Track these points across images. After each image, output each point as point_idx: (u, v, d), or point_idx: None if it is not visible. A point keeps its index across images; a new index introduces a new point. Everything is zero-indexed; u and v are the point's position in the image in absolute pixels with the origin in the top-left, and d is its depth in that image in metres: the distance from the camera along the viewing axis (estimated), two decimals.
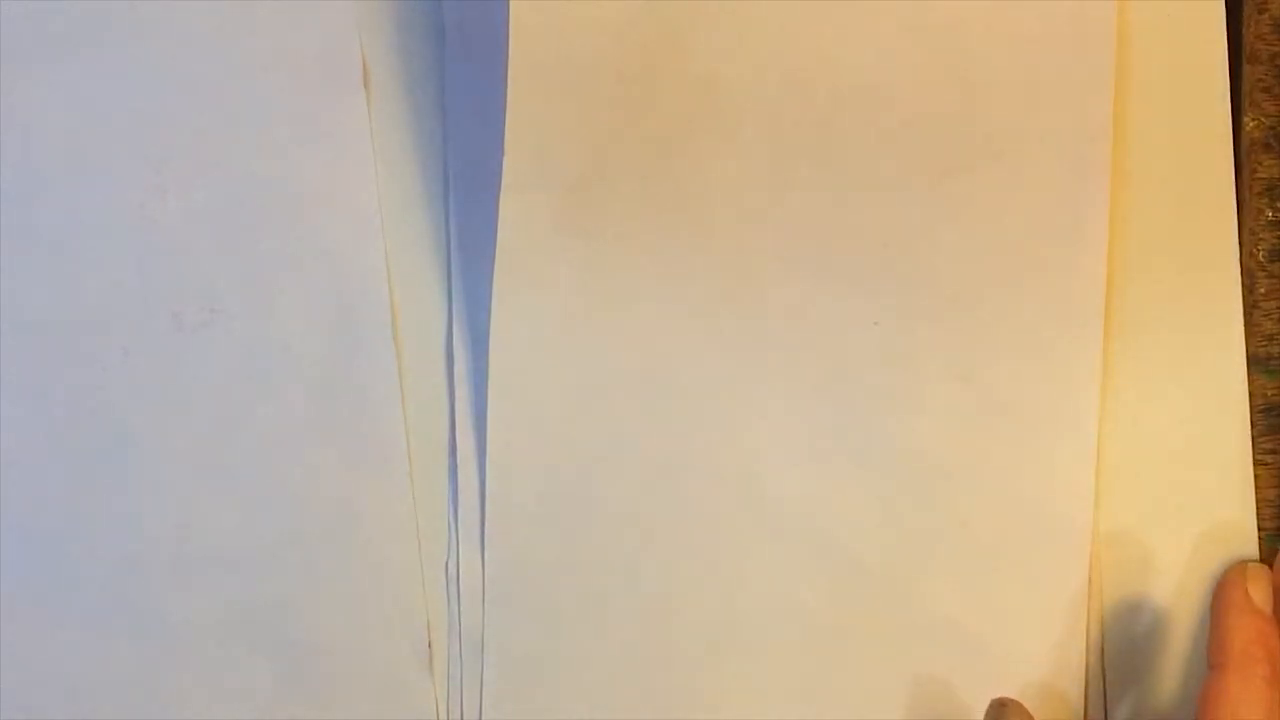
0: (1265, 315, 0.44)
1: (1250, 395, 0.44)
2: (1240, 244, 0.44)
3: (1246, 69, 0.44)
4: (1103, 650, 0.43)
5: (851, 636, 0.42)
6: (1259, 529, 0.43)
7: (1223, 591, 0.41)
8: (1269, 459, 0.44)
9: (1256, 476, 0.44)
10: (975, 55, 0.43)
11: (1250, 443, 0.43)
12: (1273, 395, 0.44)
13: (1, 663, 0.41)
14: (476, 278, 0.43)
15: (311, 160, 0.42)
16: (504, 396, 0.42)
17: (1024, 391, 0.42)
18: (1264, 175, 0.44)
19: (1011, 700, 0.39)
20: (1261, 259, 0.44)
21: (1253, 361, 0.44)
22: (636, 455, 0.42)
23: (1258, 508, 0.43)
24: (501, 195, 0.41)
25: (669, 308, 0.43)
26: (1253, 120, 0.44)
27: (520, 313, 0.42)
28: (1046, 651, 0.42)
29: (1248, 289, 0.44)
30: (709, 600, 0.43)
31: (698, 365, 0.43)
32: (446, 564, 0.43)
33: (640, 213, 0.42)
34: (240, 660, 0.42)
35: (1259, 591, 0.41)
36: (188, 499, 0.42)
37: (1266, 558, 0.43)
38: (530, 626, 0.43)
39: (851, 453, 0.43)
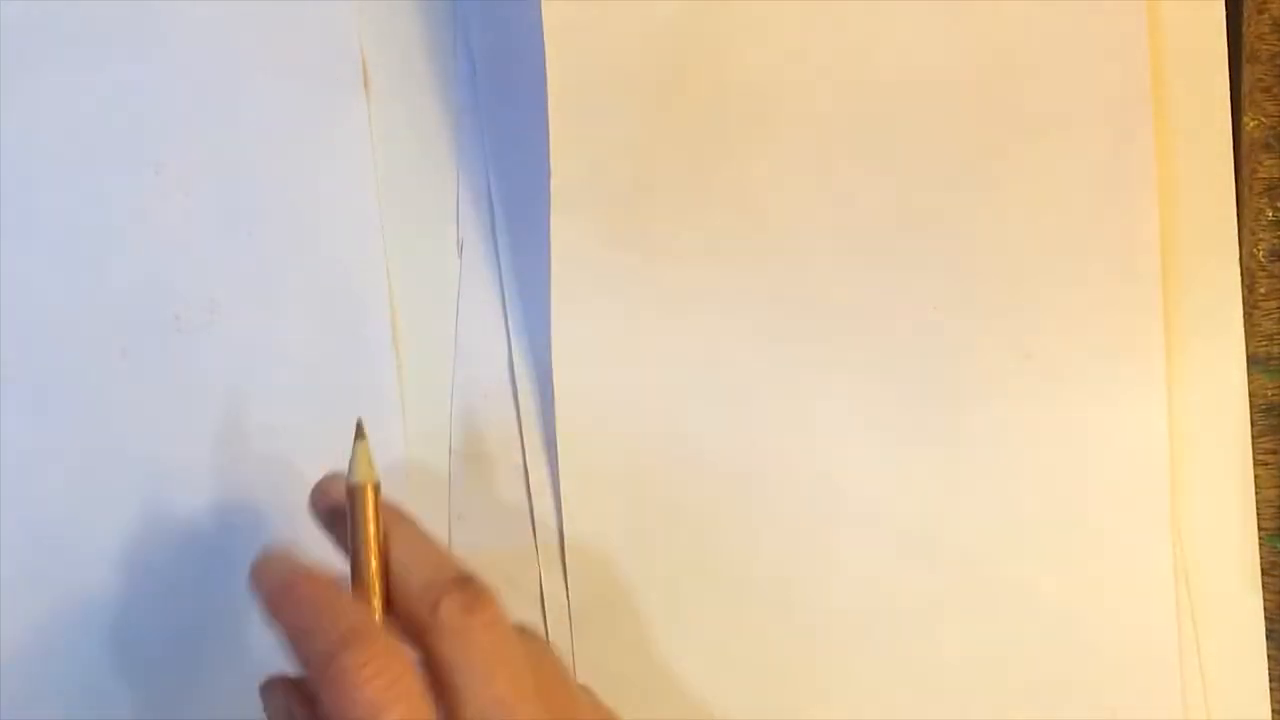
0: (1265, 315, 0.44)
1: (1250, 395, 0.44)
2: (1240, 244, 0.44)
3: (1246, 69, 0.44)
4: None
5: (938, 617, 0.42)
6: (1259, 529, 0.43)
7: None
8: (1269, 459, 0.44)
9: (1256, 476, 0.44)
10: (1012, 36, 0.43)
11: (1250, 443, 0.44)
12: (1273, 395, 0.44)
13: (1, 662, 0.41)
14: (529, 300, 0.43)
15: (311, 160, 0.42)
16: (572, 412, 0.42)
17: (1089, 362, 0.42)
18: (1264, 175, 0.44)
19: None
20: (1261, 259, 0.44)
21: (1253, 361, 0.44)
22: (707, 458, 0.42)
23: (1258, 508, 0.43)
24: (551, 217, 0.41)
25: (727, 309, 0.42)
26: (1253, 120, 0.44)
27: (580, 328, 0.42)
28: (1134, 625, 0.42)
29: (1248, 289, 0.44)
30: (796, 595, 0.42)
31: (760, 364, 0.42)
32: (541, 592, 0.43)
33: (690, 218, 0.42)
34: (240, 659, 0.42)
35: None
36: (188, 500, 0.42)
37: (1266, 558, 0.43)
38: (616, 641, 0.42)
39: (922, 439, 0.43)
